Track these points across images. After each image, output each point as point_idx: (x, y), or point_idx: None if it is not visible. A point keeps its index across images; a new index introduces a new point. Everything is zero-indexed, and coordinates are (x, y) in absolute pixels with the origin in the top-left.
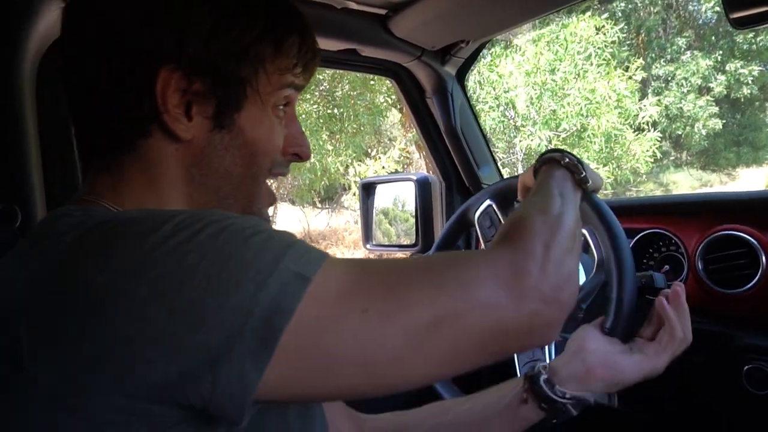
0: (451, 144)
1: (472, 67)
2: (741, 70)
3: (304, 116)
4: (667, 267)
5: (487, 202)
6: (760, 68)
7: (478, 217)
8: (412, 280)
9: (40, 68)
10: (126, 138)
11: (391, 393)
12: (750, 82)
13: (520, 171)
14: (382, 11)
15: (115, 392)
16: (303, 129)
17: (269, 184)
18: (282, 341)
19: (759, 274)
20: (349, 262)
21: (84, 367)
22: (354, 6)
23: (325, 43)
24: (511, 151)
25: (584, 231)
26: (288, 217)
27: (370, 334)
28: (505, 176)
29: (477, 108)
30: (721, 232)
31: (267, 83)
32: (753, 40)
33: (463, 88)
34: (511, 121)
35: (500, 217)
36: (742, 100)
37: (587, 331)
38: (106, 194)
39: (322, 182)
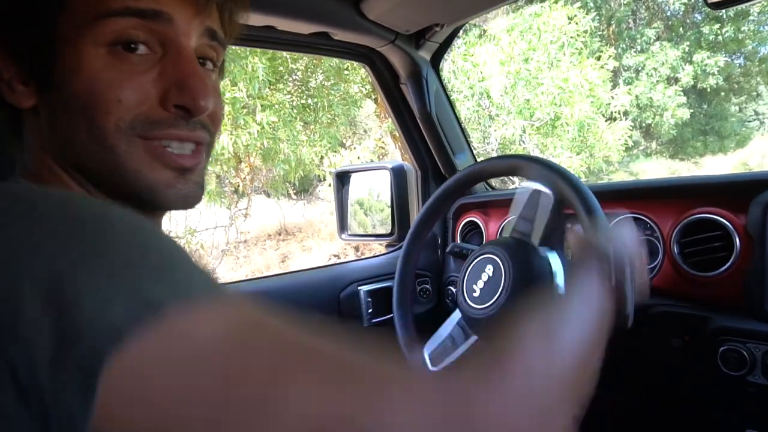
0: (427, 131)
1: (446, 53)
2: (707, 61)
3: (277, 106)
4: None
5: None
6: (725, 59)
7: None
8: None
9: None
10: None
11: None
12: (716, 72)
13: None
14: None
15: None
16: (195, 71)
17: (162, 148)
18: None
19: (733, 256)
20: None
21: None
22: None
23: (297, 26)
24: (486, 141)
25: None
26: (263, 210)
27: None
28: None
29: (452, 98)
30: (695, 216)
31: (83, 11)
32: (718, 32)
33: (438, 73)
34: (486, 111)
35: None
36: (709, 90)
37: None
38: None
39: (297, 173)
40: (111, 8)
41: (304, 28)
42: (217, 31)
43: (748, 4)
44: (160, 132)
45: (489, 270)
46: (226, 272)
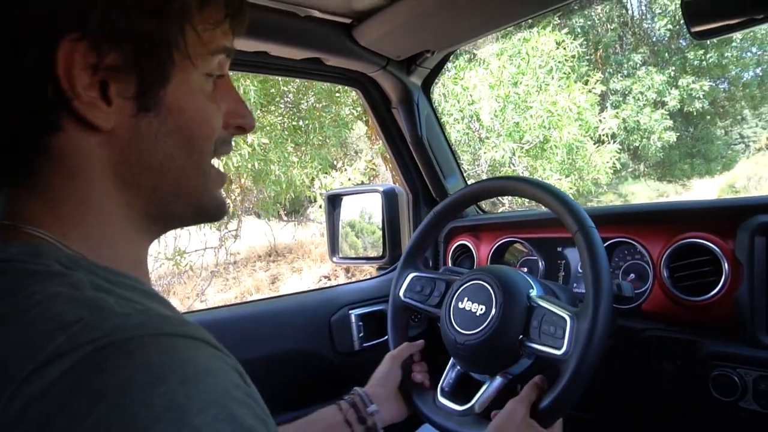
0: (418, 155)
1: (437, 78)
2: (693, 85)
3: (268, 128)
4: (632, 276)
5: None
6: (710, 83)
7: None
8: None
9: None
10: (33, 137)
11: None
12: (701, 96)
13: None
14: (347, 20)
15: None
16: (239, 95)
17: (216, 165)
18: None
19: (722, 281)
20: None
21: None
22: (318, 14)
23: (289, 52)
24: (476, 162)
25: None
26: (253, 231)
27: None
28: None
29: (442, 120)
30: (684, 240)
31: (198, 44)
32: (703, 57)
33: (429, 98)
34: (476, 134)
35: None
36: (695, 113)
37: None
38: (40, 219)
39: (288, 195)
40: (223, 46)
41: (296, 53)
42: None
43: (729, 34)
44: (224, 149)
45: (477, 296)
46: (215, 294)
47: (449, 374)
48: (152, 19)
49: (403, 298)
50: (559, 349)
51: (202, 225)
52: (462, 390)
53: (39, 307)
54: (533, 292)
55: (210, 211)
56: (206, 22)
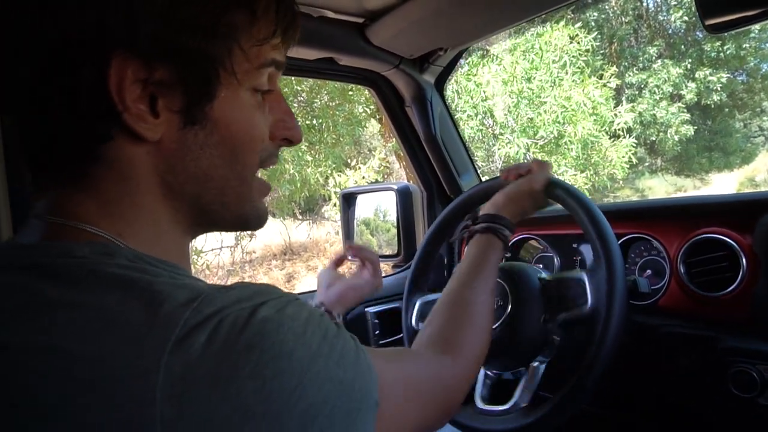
0: (432, 152)
1: (450, 76)
2: (710, 78)
3: None
4: (649, 271)
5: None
6: (727, 75)
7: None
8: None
9: None
10: (86, 146)
11: None
12: (719, 89)
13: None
14: (360, 20)
15: None
16: (289, 107)
17: (260, 175)
18: None
19: (740, 276)
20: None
21: None
22: (331, 14)
23: (303, 52)
24: (490, 159)
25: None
26: (269, 230)
27: None
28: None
29: (456, 117)
30: (701, 236)
31: (244, 61)
32: (720, 49)
33: (442, 96)
34: (490, 130)
35: None
36: (712, 106)
37: (328, 272)
38: (97, 219)
39: (303, 194)
40: (273, 60)
41: (310, 54)
42: None
43: (745, 27)
44: (270, 161)
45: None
46: None
47: (481, 382)
48: (199, 38)
49: (416, 327)
50: (584, 305)
51: None
52: (498, 392)
53: (144, 294)
54: (543, 275)
55: (250, 221)
56: (255, 39)
